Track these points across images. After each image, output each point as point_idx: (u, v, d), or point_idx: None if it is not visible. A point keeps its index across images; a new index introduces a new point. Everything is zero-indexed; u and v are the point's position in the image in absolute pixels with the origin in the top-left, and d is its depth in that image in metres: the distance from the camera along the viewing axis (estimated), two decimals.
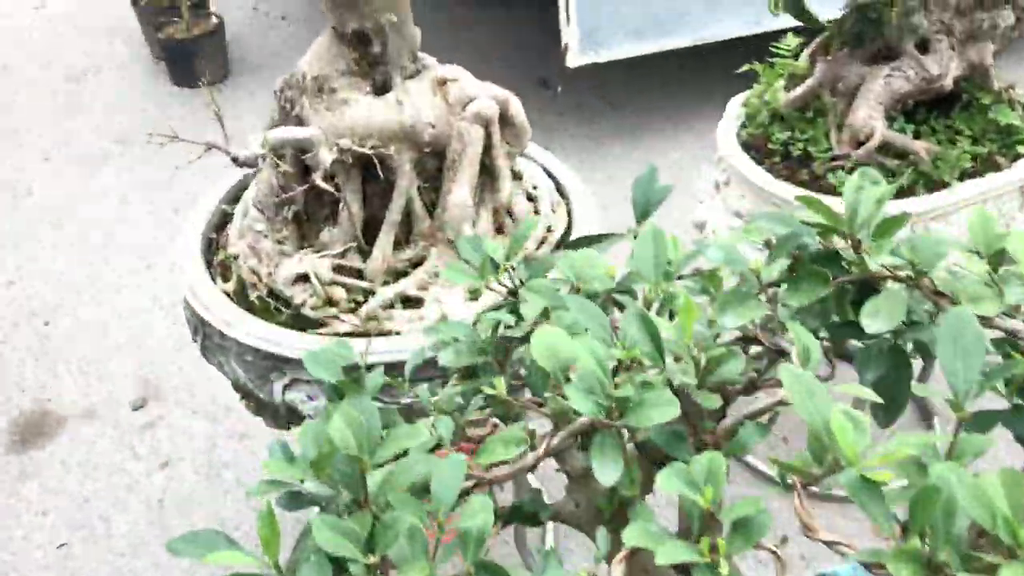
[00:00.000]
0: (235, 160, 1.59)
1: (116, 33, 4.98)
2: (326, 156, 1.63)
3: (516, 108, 1.83)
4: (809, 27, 2.06)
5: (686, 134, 4.10)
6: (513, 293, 1.15)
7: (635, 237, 1.26)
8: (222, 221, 2.01)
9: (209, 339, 1.80)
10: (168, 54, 4.50)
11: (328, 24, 1.72)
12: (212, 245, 1.96)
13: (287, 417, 1.75)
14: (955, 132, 2.09)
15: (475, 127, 1.75)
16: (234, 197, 2.05)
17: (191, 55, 4.41)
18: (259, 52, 4.75)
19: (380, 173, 1.72)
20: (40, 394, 2.93)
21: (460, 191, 1.74)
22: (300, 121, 1.74)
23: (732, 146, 2.16)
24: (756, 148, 2.14)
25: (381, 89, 1.76)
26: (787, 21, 4.00)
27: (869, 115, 2.00)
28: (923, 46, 2.04)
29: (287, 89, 1.75)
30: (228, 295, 1.81)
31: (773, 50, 2.28)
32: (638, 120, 4.19)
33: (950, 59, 2.03)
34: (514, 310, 1.11)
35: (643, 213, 1.23)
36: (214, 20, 4.51)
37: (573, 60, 3.68)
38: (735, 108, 2.28)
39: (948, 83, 2.04)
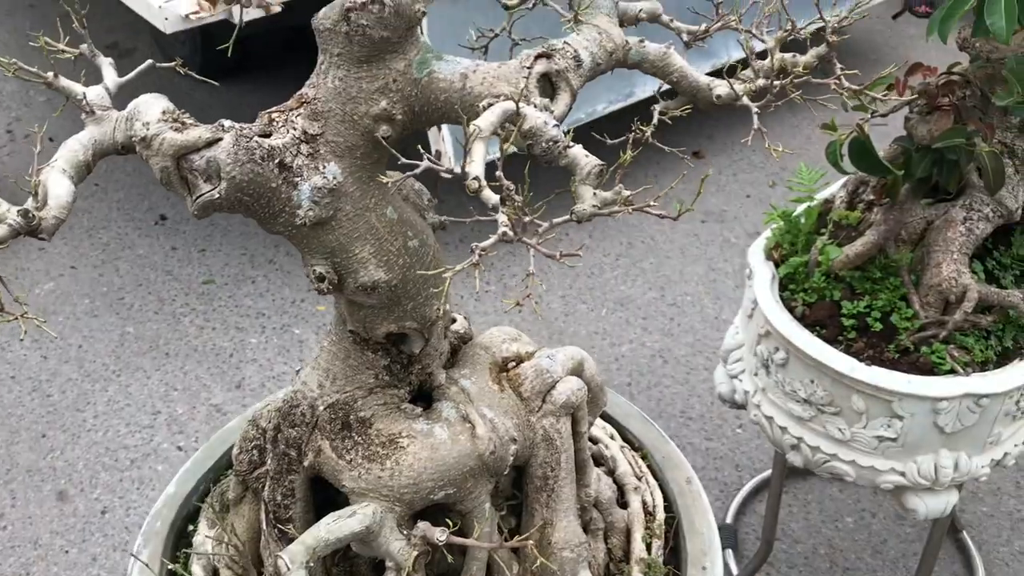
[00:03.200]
0: None
1: None
2: (402, 552, 1.05)
3: (591, 368, 1.33)
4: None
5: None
6: None
7: None
8: None
9: None
10: None
11: (338, 328, 1.14)
12: None
13: None
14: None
15: (564, 422, 1.24)
16: None
17: None
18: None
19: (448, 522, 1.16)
20: None
21: (565, 523, 1.22)
22: (317, 474, 1.15)
23: (787, 322, 1.75)
24: (816, 321, 1.75)
25: (419, 393, 1.21)
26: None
27: (956, 270, 1.66)
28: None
29: (286, 427, 1.16)
30: None
31: (791, 186, 1.89)
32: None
33: (1018, 185, 1.72)
34: None
35: None
36: None
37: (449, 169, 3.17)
38: (761, 266, 1.87)
39: (1019, 214, 1.74)
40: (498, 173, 0.82)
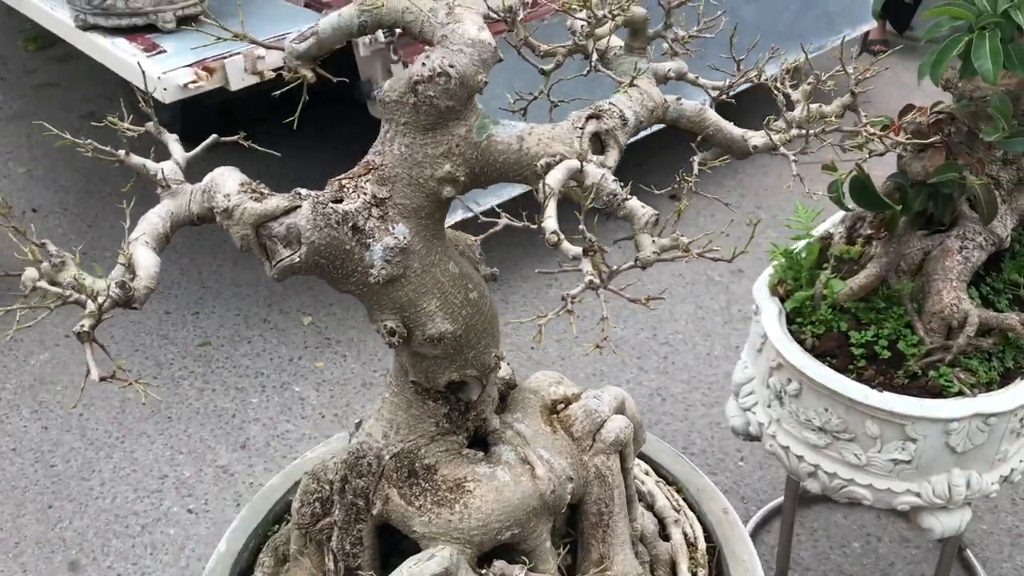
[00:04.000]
0: None
1: None
2: None
3: (631, 406, 1.39)
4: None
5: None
6: None
7: None
8: None
9: None
10: None
11: (399, 379, 1.20)
12: None
13: None
14: (1015, 286, 1.90)
15: (614, 459, 1.29)
16: None
17: None
18: (20, 266, 3.87)
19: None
20: None
21: (622, 556, 1.28)
22: (385, 522, 1.20)
23: (798, 354, 1.82)
24: (826, 352, 1.83)
25: (475, 437, 1.26)
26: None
27: (956, 297, 1.75)
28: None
29: (354, 478, 1.20)
30: None
31: (788, 225, 1.98)
32: (502, 259, 3.81)
33: (1006, 213, 1.83)
34: None
35: None
36: None
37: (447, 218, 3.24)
38: (767, 301, 1.95)
39: (1008, 241, 1.84)
40: (581, 227, 0.89)
